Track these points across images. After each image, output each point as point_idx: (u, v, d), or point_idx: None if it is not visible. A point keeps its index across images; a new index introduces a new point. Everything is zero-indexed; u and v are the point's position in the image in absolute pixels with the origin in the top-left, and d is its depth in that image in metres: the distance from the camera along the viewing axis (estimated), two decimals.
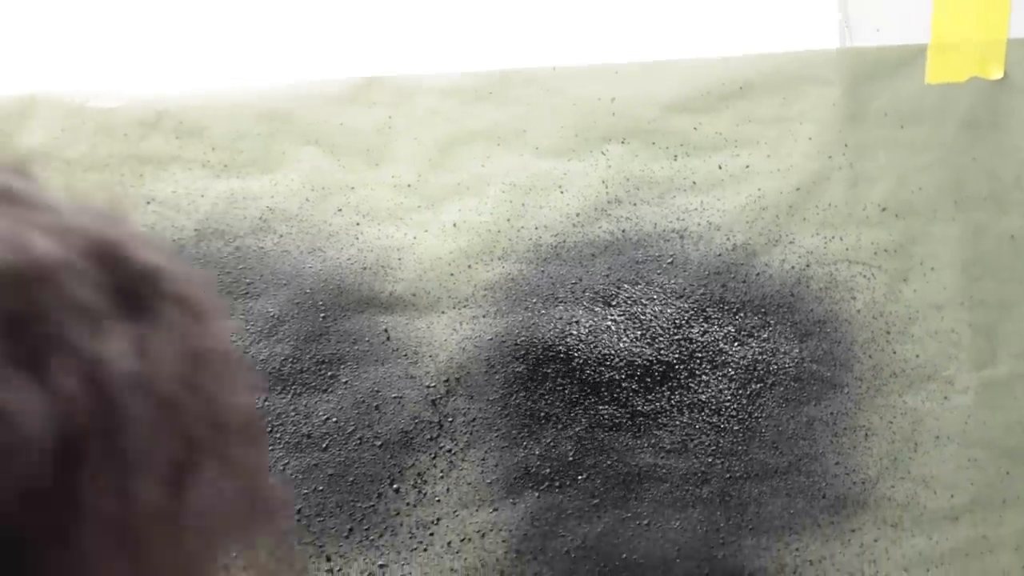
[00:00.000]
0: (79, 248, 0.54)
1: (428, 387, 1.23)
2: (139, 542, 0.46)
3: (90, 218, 0.59)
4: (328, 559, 1.24)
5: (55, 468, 0.41)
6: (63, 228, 0.55)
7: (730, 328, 1.18)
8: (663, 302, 1.19)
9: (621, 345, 1.19)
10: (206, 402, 0.51)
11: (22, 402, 0.39)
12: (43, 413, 0.41)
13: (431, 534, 1.23)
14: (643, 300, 1.19)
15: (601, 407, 1.20)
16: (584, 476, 1.20)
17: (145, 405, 0.44)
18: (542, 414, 1.21)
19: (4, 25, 1.29)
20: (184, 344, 0.53)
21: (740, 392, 1.18)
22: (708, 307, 1.18)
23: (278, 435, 1.24)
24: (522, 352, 1.22)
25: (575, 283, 1.20)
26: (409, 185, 1.21)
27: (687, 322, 1.18)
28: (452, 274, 1.21)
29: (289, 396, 1.23)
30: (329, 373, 1.23)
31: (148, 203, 1.23)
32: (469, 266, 1.21)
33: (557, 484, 1.21)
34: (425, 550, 1.22)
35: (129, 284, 0.55)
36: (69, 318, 0.49)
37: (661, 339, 1.18)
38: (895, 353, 1.15)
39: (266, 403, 1.24)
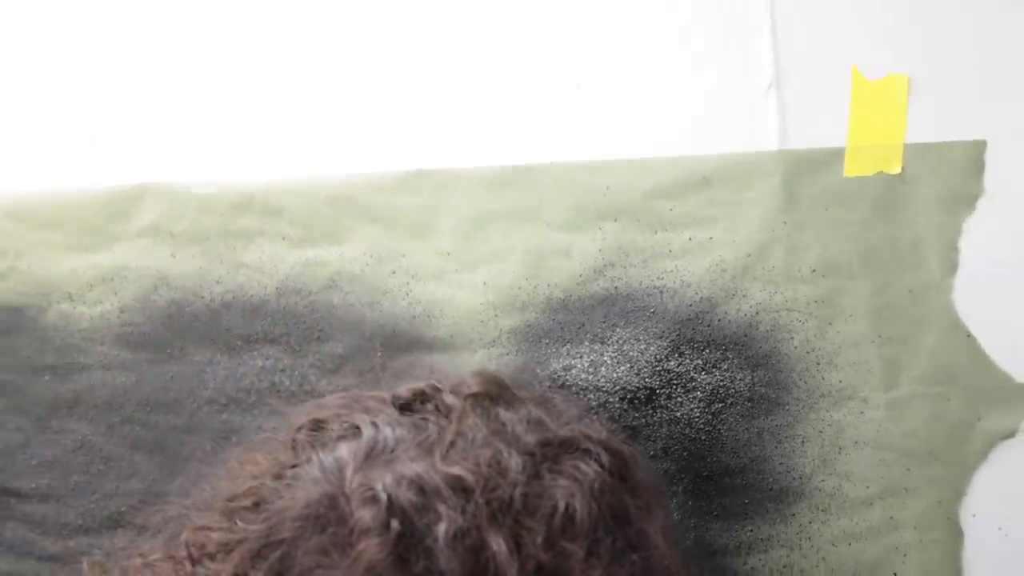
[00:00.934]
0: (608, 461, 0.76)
1: None
2: None
3: (600, 429, 0.81)
4: None
5: None
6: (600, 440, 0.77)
7: (698, 361, 1.32)
8: (647, 341, 1.33)
9: (614, 375, 1.33)
10: None
11: None
12: None
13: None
14: (631, 340, 1.33)
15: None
16: None
17: None
18: None
19: (118, 125, 1.40)
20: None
21: (706, 410, 1.31)
22: (681, 345, 1.32)
23: None
24: (538, 381, 1.38)
25: (578, 328, 1.34)
26: (448, 253, 1.35)
27: (665, 356, 1.32)
28: (482, 322, 1.35)
29: None
30: None
31: (239, 268, 1.37)
32: (496, 315, 1.35)
33: None
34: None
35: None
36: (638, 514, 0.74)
37: (645, 370, 1.33)
38: (823, 379, 1.26)
39: None
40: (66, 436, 1.44)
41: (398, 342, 1.36)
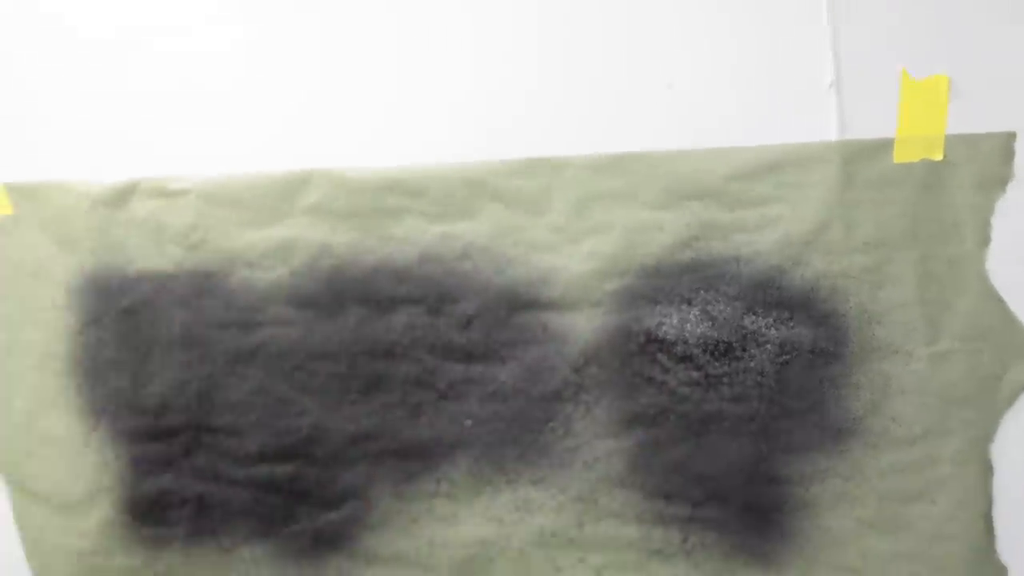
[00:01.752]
0: None
1: (572, 360, 1.61)
2: None
3: None
4: (506, 475, 1.65)
5: None
6: None
7: (769, 319, 1.53)
8: (726, 302, 1.55)
9: (698, 331, 1.55)
10: None
11: None
12: None
13: (573, 456, 1.63)
14: (712, 301, 1.55)
15: (685, 372, 1.57)
16: (674, 417, 1.58)
17: None
18: (647, 376, 1.59)
19: (288, 118, 1.71)
20: None
21: (775, 361, 1.53)
22: (755, 305, 1.54)
23: (476, 394, 1.65)
24: (634, 336, 1.59)
25: (669, 291, 1.56)
26: (560, 227, 1.59)
27: (741, 315, 1.54)
28: (589, 285, 1.57)
29: (480, 366, 1.65)
30: (506, 351, 1.64)
31: (388, 239, 1.67)
32: (599, 280, 1.57)
33: (656, 423, 1.59)
34: (569, 467, 1.63)
35: None
36: None
37: (724, 326, 1.54)
38: (874, 335, 1.48)
39: (467, 371, 1.67)
40: (247, 381, 1.79)
41: (518, 303, 1.61)
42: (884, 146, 1.49)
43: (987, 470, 1.48)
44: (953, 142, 1.47)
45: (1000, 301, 1.48)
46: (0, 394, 1.89)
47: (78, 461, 1.85)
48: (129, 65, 1.79)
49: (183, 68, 1.75)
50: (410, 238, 1.67)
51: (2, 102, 1.85)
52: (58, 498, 1.87)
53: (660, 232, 1.58)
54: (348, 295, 1.74)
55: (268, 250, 1.76)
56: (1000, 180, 1.48)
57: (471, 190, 1.63)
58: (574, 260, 1.60)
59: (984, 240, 1.48)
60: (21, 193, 1.86)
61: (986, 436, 1.48)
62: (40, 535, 1.89)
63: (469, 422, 1.69)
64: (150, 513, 1.83)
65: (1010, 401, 1.48)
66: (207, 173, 1.76)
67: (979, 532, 1.47)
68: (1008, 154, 1.47)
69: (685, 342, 1.59)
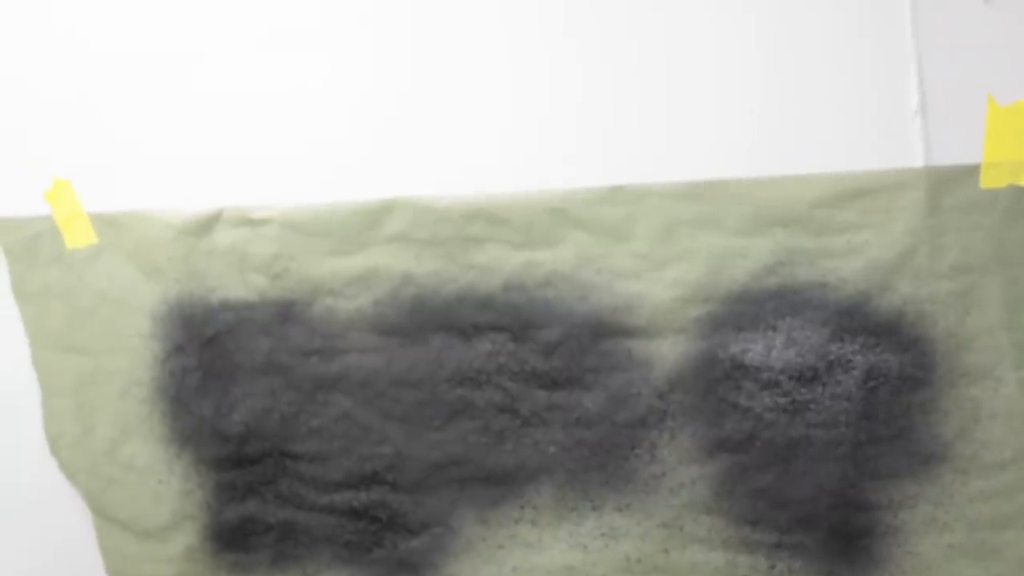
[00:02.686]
0: None
1: (657, 386, 1.64)
2: None
3: None
4: (590, 501, 1.68)
5: None
6: None
7: (856, 345, 1.55)
8: (812, 328, 1.58)
9: (784, 357, 1.58)
10: None
11: None
12: None
13: (658, 482, 1.66)
14: (798, 327, 1.58)
15: (771, 398, 1.60)
16: (759, 443, 1.61)
17: None
18: (731, 403, 1.62)
19: (373, 149, 1.76)
20: None
21: (863, 386, 1.55)
22: (841, 331, 1.56)
23: (561, 421, 1.69)
24: (719, 363, 1.62)
25: (753, 317, 1.59)
26: (644, 254, 1.61)
27: (827, 341, 1.56)
28: (673, 312, 1.60)
29: (564, 393, 1.68)
30: (591, 378, 1.67)
31: (470, 268, 1.71)
32: (683, 307, 1.60)
33: (742, 449, 1.62)
34: (655, 493, 1.66)
35: None
36: None
37: (810, 353, 1.56)
38: (963, 360, 1.49)
39: (551, 398, 1.69)
40: (330, 408, 1.82)
41: (602, 329, 1.64)
42: (970, 172, 1.51)
43: None
44: None
45: None
46: (84, 421, 1.93)
47: (161, 489, 1.89)
48: (213, 96, 1.85)
49: (267, 99, 1.81)
50: (493, 266, 1.69)
51: (87, 134, 1.91)
52: (141, 525, 1.91)
53: (744, 259, 1.59)
54: (431, 323, 1.77)
55: (351, 279, 1.80)
56: None
57: (554, 218, 1.66)
58: (658, 287, 1.62)
59: None
60: (106, 223, 1.91)
61: None
62: (123, 563, 1.93)
63: (553, 449, 1.72)
64: (234, 540, 1.87)
65: None
66: (290, 202, 1.81)
67: None
68: None
69: (771, 368, 1.60)
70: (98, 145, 1.90)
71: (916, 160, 1.53)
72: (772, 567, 1.61)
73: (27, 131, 1.94)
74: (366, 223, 1.75)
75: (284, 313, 1.82)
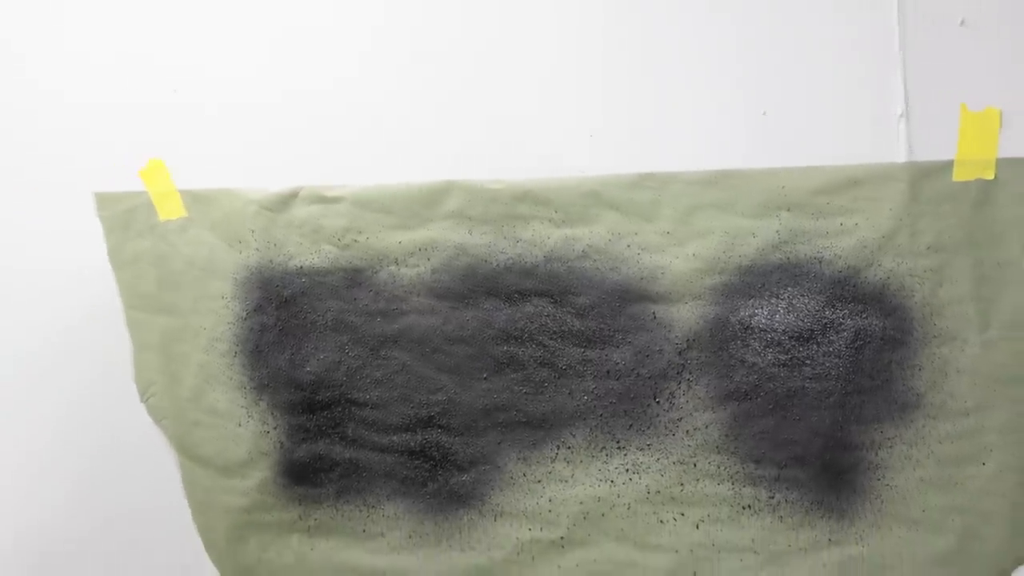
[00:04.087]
0: None
1: (677, 344, 1.74)
2: None
3: None
4: (617, 441, 1.79)
5: None
6: None
7: (846, 311, 1.67)
8: (809, 297, 1.69)
9: (786, 320, 1.68)
10: None
11: None
12: None
13: (676, 426, 1.77)
14: (798, 296, 1.69)
15: (774, 355, 1.70)
16: (763, 393, 1.71)
17: None
18: (740, 359, 1.72)
19: (434, 136, 1.86)
20: None
21: (851, 346, 1.67)
22: (834, 300, 1.68)
23: (593, 373, 1.79)
24: (730, 325, 1.73)
25: (760, 286, 1.70)
26: (668, 232, 1.73)
27: (822, 308, 1.68)
28: (691, 281, 1.72)
29: (597, 350, 1.78)
30: (620, 337, 1.77)
31: (517, 241, 1.82)
32: (701, 277, 1.72)
33: (748, 398, 1.72)
34: (673, 435, 1.76)
35: None
36: None
37: (808, 317, 1.68)
38: (935, 325, 1.63)
39: (585, 353, 1.78)
40: (391, 361, 1.96)
41: (630, 296, 1.74)
42: (945, 167, 1.64)
43: None
44: (1003, 164, 1.61)
45: None
46: (171, 373, 2.06)
47: (240, 431, 1.99)
48: (293, 87, 1.97)
49: (342, 90, 1.93)
50: (537, 240, 1.81)
51: (180, 119, 2.06)
52: (221, 462, 2.05)
53: (754, 237, 1.72)
54: (481, 289, 1.90)
55: (412, 249, 1.92)
56: None
57: (591, 200, 1.77)
58: (679, 260, 1.75)
59: None
60: (194, 198, 2.05)
61: None
62: (205, 496, 2.06)
63: (586, 397, 1.82)
64: (304, 475, 1.97)
65: None
66: (360, 182, 1.90)
67: (1020, 490, 1.62)
68: None
69: (774, 330, 1.72)
70: (190, 129, 2.00)
71: (900, 156, 1.67)
72: (772, 497, 1.73)
73: (125, 115, 2.07)
74: (426, 202, 1.87)
75: (352, 279, 1.94)
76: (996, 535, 1.62)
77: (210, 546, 1.99)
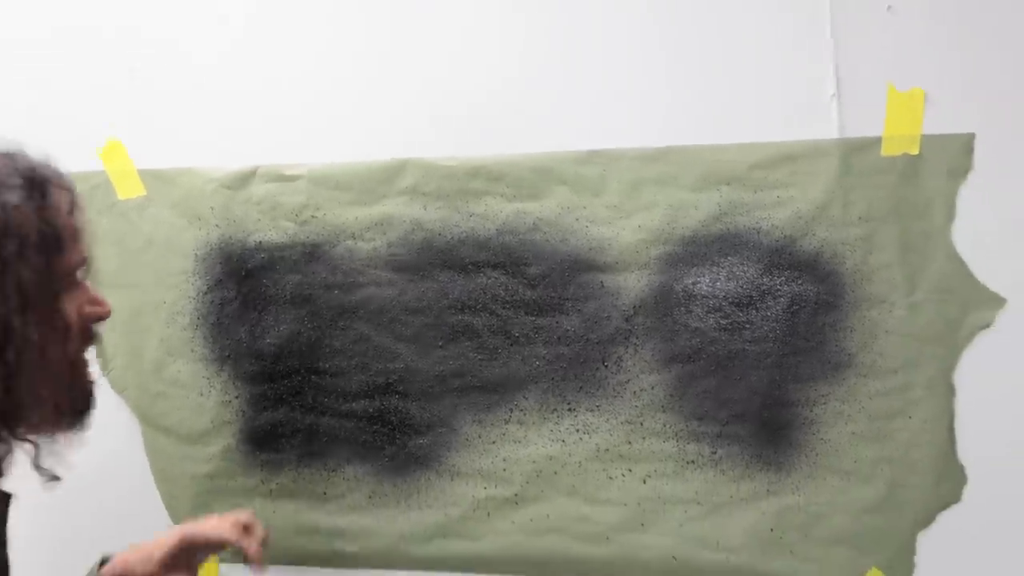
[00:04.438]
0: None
1: (624, 310, 1.81)
2: None
3: None
4: (568, 403, 1.85)
5: None
6: None
7: (782, 278, 1.75)
8: (748, 265, 1.77)
9: (726, 287, 1.76)
10: None
11: None
12: None
13: (624, 388, 1.84)
14: (737, 264, 1.78)
15: (715, 320, 1.78)
16: (705, 355, 1.79)
17: None
18: (683, 324, 1.80)
19: (388, 117, 1.91)
20: None
21: (788, 310, 1.74)
22: (772, 268, 1.75)
23: (544, 339, 1.85)
24: (674, 292, 1.80)
25: (702, 256, 1.78)
26: (615, 205, 1.81)
27: (760, 275, 1.75)
28: (638, 251, 1.80)
29: (548, 317, 1.85)
30: (569, 305, 1.84)
31: (471, 216, 1.89)
32: (646, 248, 1.79)
33: (691, 360, 1.79)
34: (620, 397, 1.83)
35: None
36: None
37: (747, 284, 1.76)
38: (865, 289, 1.69)
39: (536, 321, 1.86)
40: (350, 332, 2.02)
41: (580, 266, 1.81)
42: (874, 143, 1.72)
43: (951, 393, 1.71)
44: (927, 140, 1.69)
45: (962, 263, 1.69)
46: (134, 346, 2.10)
47: (202, 400, 2.02)
48: (250, 66, 2.01)
49: (298, 68, 1.96)
50: (490, 215, 1.87)
51: (138, 99, 2.09)
52: (184, 431, 2.05)
53: (695, 210, 1.79)
54: (437, 261, 1.94)
55: (369, 224, 1.99)
56: (963, 170, 1.70)
57: (541, 175, 1.84)
58: (626, 232, 1.82)
59: (950, 216, 1.69)
60: (154, 177, 2.09)
61: (950, 367, 1.70)
62: (168, 464, 2.06)
63: (538, 362, 1.89)
64: (266, 441, 2.01)
65: (968, 339, 1.70)
66: (317, 161, 1.95)
67: (944, 441, 1.70)
68: (969, 150, 1.70)
69: (715, 296, 1.79)
70: (147, 109, 2.03)
71: (832, 133, 1.74)
72: (714, 452, 1.80)
73: (83, 96, 2.09)
74: (382, 178, 1.93)
75: (311, 253, 1.98)
76: (922, 483, 1.70)
77: (174, 514, 2.04)
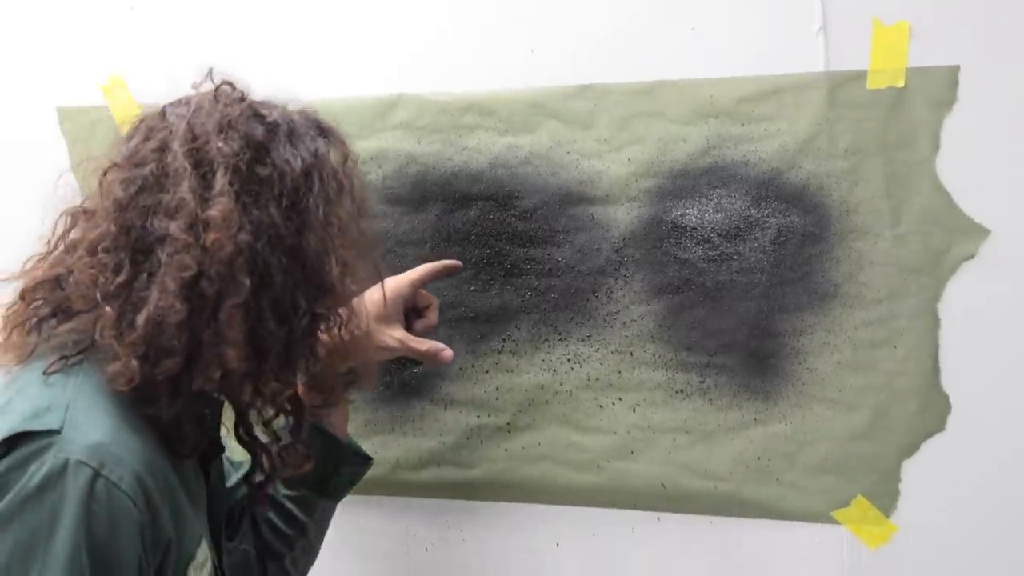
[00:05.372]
0: None
1: (614, 242, 1.82)
2: None
3: None
4: (559, 334, 1.88)
5: None
6: None
7: (770, 210, 1.75)
8: (736, 197, 1.79)
9: (715, 219, 1.77)
10: None
11: None
12: None
13: (614, 318, 1.86)
14: (726, 196, 1.79)
15: (703, 251, 1.79)
16: (694, 286, 1.80)
17: None
18: (672, 255, 1.80)
19: (384, 49, 1.92)
20: None
21: (775, 241, 1.75)
22: (759, 199, 1.76)
23: (536, 271, 1.88)
24: (663, 224, 1.80)
25: (691, 188, 1.79)
26: (605, 139, 1.81)
27: (748, 207, 1.76)
28: (627, 184, 1.81)
29: (539, 249, 1.87)
30: (561, 237, 1.85)
31: (463, 149, 1.90)
32: (636, 181, 1.80)
33: (680, 291, 1.80)
34: (611, 327, 1.86)
35: None
36: None
37: (735, 216, 1.77)
38: (851, 221, 1.71)
39: (528, 253, 1.87)
40: None
41: (571, 198, 1.84)
42: (860, 76, 1.72)
43: (935, 323, 1.73)
44: (912, 73, 1.69)
45: (947, 194, 1.71)
46: None
47: None
48: (247, 2, 2.07)
49: (292, 2, 1.99)
50: (482, 148, 1.91)
51: (140, 35, 2.12)
52: None
53: (684, 143, 1.81)
54: (431, 194, 2.00)
55: (364, 158, 1.97)
56: (947, 102, 1.70)
57: (533, 110, 1.85)
58: (616, 165, 1.84)
59: (935, 148, 1.70)
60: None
61: (935, 297, 1.72)
62: None
63: (530, 293, 1.91)
64: None
65: (952, 270, 1.71)
66: (310, 96, 1.86)
67: (928, 370, 1.72)
68: (953, 82, 1.69)
69: (704, 228, 1.82)
70: (149, 45, 2.11)
71: (819, 67, 1.74)
72: (702, 382, 1.84)
73: (88, 31, 2.12)
74: (377, 113, 1.94)
75: None
76: (906, 411, 1.73)
77: None
